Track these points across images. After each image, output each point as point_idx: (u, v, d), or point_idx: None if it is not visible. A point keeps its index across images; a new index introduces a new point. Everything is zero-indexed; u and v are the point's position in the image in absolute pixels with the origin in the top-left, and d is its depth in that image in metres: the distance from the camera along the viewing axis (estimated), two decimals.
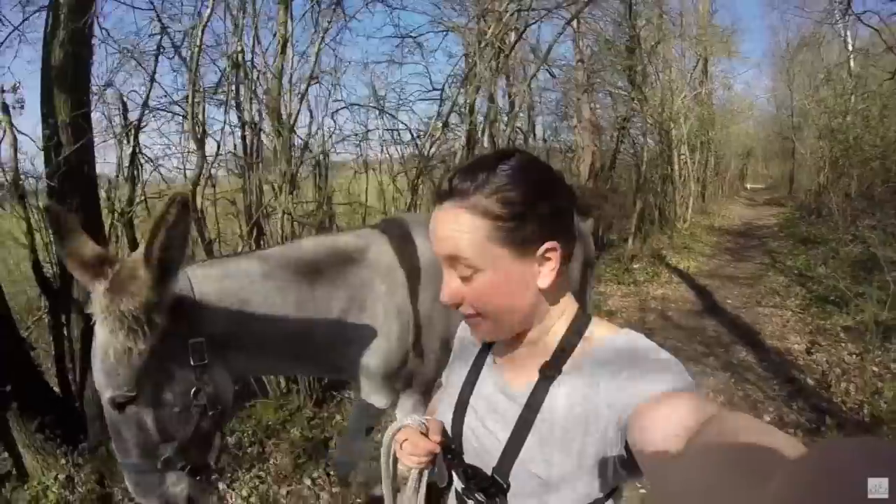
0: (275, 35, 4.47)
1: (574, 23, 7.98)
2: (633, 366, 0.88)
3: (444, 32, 7.52)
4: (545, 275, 0.94)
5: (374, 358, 2.05)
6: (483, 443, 1.06)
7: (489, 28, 5.77)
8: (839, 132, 13.59)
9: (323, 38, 4.73)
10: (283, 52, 4.26)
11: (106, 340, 1.42)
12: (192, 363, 1.55)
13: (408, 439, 1.14)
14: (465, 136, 6.16)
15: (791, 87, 22.75)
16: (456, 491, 1.18)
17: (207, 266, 1.78)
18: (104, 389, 1.48)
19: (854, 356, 4.86)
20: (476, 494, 1.07)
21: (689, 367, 2.43)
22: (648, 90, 10.49)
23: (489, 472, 1.03)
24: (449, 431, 1.15)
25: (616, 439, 0.87)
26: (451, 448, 1.14)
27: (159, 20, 4.73)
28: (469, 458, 1.10)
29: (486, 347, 1.16)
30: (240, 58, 4.46)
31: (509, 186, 0.91)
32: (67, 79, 3.54)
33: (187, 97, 4.07)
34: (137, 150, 5.05)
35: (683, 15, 13.47)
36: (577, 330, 1.00)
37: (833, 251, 9.08)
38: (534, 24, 6.93)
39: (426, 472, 1.19)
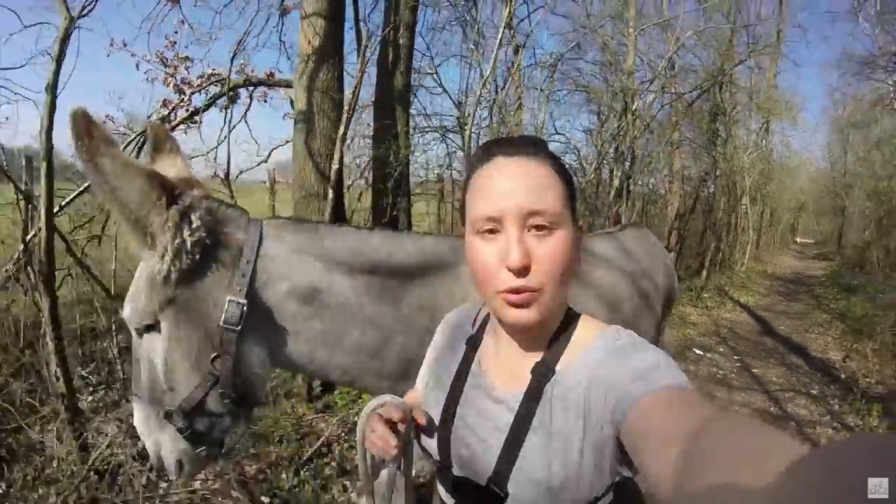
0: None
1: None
2: (625, 362, 0.86)
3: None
4: (577, 256, 0.94)
5: None
6: (474, 452, 1.00)
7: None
8: (884, 194, 14.95)
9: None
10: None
11: (149, 262, 1.35)
12: (221, 322, 1.36)
13: (377, 430, 1.02)
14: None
15: (846, 148, 23.67)
16: None
17: (290, 227, 1.54)
18: (128, 307, 1.42)
19: (876, 363, 6.68)
20: None
21: (756, 363, 4.48)
22: (720, 147, 12.29)
23: (483, 483, 0.98)
24: (435, 445, 1.07)
25: (612, 436, 0.85)
26: (438, 462, 1.09)
27: None
28: (459, 470, 1.04)
29: (471, 350, 1.11)
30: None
31: (554, 158, 0.95)
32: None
33: None
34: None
35: (753, 82, 15.01)
36: (567, 328, 0.98)
37: (871, 298, 10.76)
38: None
39: (398, 472, 1.13)
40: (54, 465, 3.27)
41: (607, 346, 0.92)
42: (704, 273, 11.96)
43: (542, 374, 0.95)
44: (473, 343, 1.12)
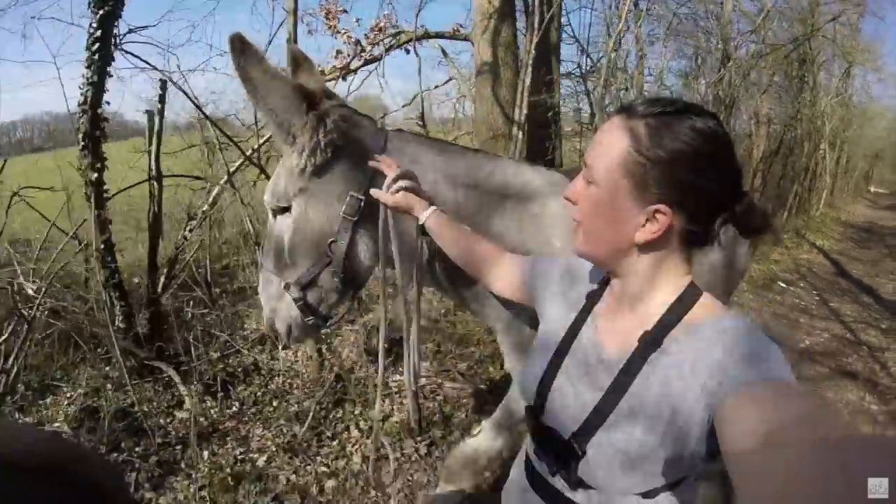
0: None
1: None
2: (732, 350, 0.85)
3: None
4: (644, 232, 0.93)
5: (523, 317, 1.82)
6: (567, 404, 1.04)
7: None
8: None
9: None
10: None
11: (289, 157, 1.56)
12: (342, 212, 1.56)
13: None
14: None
15: None
16: (525, 452, 1.21)
17: (412, 141, 1.72)
18: (268, 192, 1.65)
19: None
20: (547, 457, 1.07)
21: (832, 299, 5.11)
22: (806, 93, 12.50)
23: (567, 437, 1.02)
24: (535, 385, 1.13)
25: (703, 423, 0.85)
26: (530, 406, 1.14)
27: None
28: (549, 418, 1.08)
29: (590, 304, 1.13)
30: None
31: (673, 134, 0.90)
32: None
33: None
34: None
35: (837, 29, 14.86)
36: (683, 305, 0.97)
37: None
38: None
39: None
40: (278, 381, 3.83)
41: (718, 327, 0.91)
42: (785, 215, 12.37)
43: (648, 344, 0.96)
44: (592, 298, 1.13)
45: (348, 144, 1.57)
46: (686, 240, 0.96)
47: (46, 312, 3.82)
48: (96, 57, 3.46)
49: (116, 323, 3.60)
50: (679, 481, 0.97)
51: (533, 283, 1.29)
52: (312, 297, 1.68)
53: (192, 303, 4.62)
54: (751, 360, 0.82)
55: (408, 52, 5.86)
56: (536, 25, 4.44)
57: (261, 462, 3.04)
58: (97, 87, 3.49)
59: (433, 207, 1.48)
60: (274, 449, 3.14)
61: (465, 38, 5.96)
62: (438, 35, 6.22)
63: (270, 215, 1.68)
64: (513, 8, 5.25)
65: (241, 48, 1.45)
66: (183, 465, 2.96)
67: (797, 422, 0.65)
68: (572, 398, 1.04)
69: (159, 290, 3.93)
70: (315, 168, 1.54)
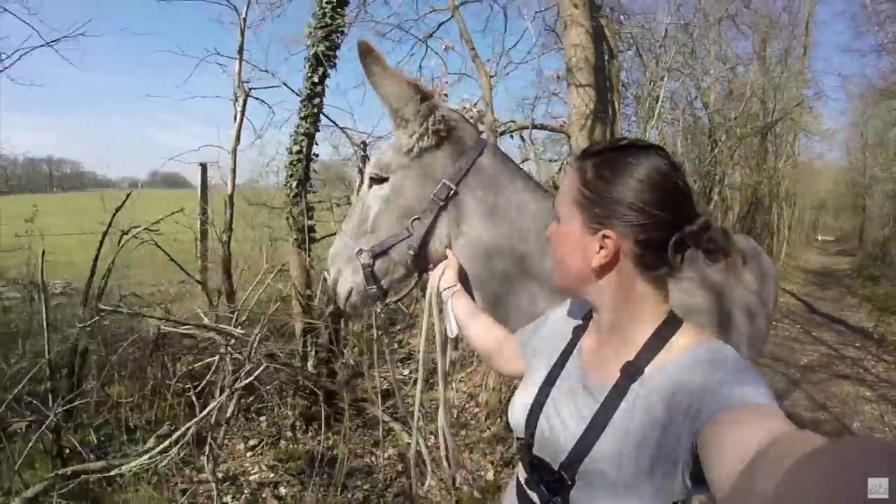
0: None
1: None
2: (713, 376, 0.88)
3: None
4: (598, 258, 1.00)
5: None
6: (555, 435, 1.04)
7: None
8: None
9: None
10: None
11: (399, 138, 1.68)
12: (433, 194, 1.63)
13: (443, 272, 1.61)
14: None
15: (864, 150, 24.80)
16: (517, 480, 1.20)
17: (501, 158, 1.74)
18: (372, 161, 1.79)
19: None
20: (539, 487, 1.07)
21: (813, 329, 7.21)
22: (770, 161, 14.76)
23: (556, 467, 1.02)
24: (524, 416, 1.14)
25: (689, 449, 0.86)
26: (521, 438, 1.15)
27: None
28: (538, 449, 1.09)
29: (575, 338, 1.17)
30: None
31: (612, 166, 1.00)
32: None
33: None
34: None
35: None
36: (663, 334, 1.00)
37: (893, 283, 13.13)
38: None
39: (450, 302, 1.55)
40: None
41: (699, 356, 0.93)
42: None
43: (631, 373, 0.97)
44: (578, 331, 1.18)
45: (450, 138, 1.68)
46: (643, 264, 0.98)
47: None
48: (315, 110, 4.09)
49: (309, 367, 4.12)
50: None
51: (524, 351, 1.32)
52: (380, 267, 1.74)
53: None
54: (732, 385, 0.84)
55: (522, 139, 6.74)
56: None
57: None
58: (310, 137, 4.04)
59: (462, 300, 1.59)
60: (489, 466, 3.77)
61: (562, 131, 6.54)
62: (543, 127, 6.98)
63: (367, 183, 1.81)
64: (605, 108, 6.05)
65: (366, 49, 1.67)
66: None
67: (779, 443, 0.65)
68: (560, 428, 1.04)
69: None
70: (419, 150, 1.66)
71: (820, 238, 40.19)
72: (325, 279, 2.21)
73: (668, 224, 0.96)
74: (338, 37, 4.26)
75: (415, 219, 1.68)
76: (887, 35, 14.87)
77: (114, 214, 4.18)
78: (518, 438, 1.21)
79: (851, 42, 34.55)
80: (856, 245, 27.88)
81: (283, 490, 3.60)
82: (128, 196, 4.35)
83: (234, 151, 5.24)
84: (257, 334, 3.45)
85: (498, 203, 1.67)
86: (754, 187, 13.77)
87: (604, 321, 1.07)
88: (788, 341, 8.39)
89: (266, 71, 5.55)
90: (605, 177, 0.99)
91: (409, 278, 1.85)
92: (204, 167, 7.05)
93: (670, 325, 1.01)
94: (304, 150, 4.03)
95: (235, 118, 5.48)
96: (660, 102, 7.20)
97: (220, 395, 2.88)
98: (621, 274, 1.01)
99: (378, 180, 1.75)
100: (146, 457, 3.13)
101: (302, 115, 4.15)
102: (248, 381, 3.28)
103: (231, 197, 5.32)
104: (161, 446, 3.15)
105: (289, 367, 4.02)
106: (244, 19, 5.65)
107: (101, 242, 4.15)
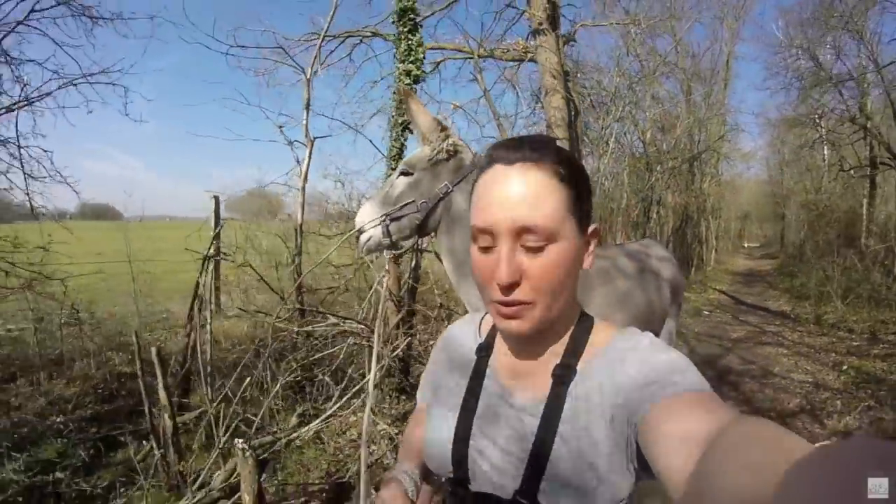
0: None
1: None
2: (646, 364, 0.86)
3: None
4: (589, 256, 0.93)
5: None
6: (497, 464, 0.96)
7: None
8: (812, 205, 19.04)
9: None
10: None
11: (423, 151, 2.39)
12: (437, 190, 2.34)
13: None
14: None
15: (782, 167, 27.23)
16: None
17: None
18: (405, 162, 2.46)
19: (810, 311, 11.33)
20: None
21: (741, 316, 9.80)
22: (696, 183, 17.22)
23: (509, 495, 0.93)
24: (448, 459, 1.02)
25: (632, 440, 0.83)
26: (454, 479, 1.02)
27: None
28: (478, 485, 0.98)
29: (483, 358, 1.07)
30: None
31: (573, 163, 0.90)
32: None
33: None
34: None
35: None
36: (583, 333, 0.96)
37: (807, 277, 15.52)
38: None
39: None
40: None
41: (627, 347, 0.90)
42: (693, 270, 16.80)
43: (564, 376, 0.92)
44: (485, 350, 1.07)
45: (455, 157, 2.39)
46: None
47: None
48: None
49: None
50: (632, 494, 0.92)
51: (426, 398, 1.21)
52: (393, 227, 2.40)
53: None
54: (666, 373, 0.82)
55: None
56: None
57: None
58: None
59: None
60: None
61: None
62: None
63: (396, 173, 2.48)
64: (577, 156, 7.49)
65: (406, 93, 2.49)
66: None
67: (722, 424, 0.66)
68: (501, 457, 0.95)
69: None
70: (435, 161, 2.38)
71: (746, 245, 43.31)
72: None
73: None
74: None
75: (423, 202, 2.36)
76: (795, 74, 17.58)
77: (213, 239, 5.29)
78: (450, 480, 1.04)
79: (763, 83, 38.13)
80: (778, 249, 30.41)
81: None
82: (220, 227, 5.97)
83: (304, 189, 6.26)
84: (391, 328, 4.93)
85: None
86: (685, 205, 16.02)
87: (532, 338, 0.94)
88: (721, 324, 10.49)
89: (343, 122, 7.08)
90: (577, 173, 0.89)
91: (409, 238, 2.49)
92: (216, 199, 7.89)
93: (587, 321, 0.98)
94: None
95: (300, 161, 6.53)
96: (610, 144, 9.30)
97: (374, 365, 3.18)
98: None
99: (406, 173, 2.43)
100: (317, 421, 4.01)
101: (391, 166, 5.50)
102: (395, 354, 4.58)
103: (300, 226, 6.36)
104: (328, 412, 4.01)
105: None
106: (309, 79, 6.63)
107: (204, 265, 4.96)
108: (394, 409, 4.97)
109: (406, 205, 2.39)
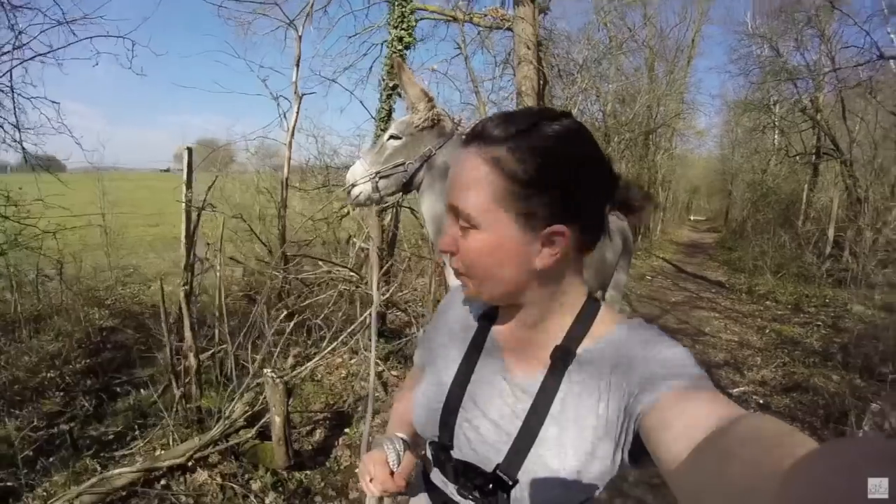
0: None
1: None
2: (650, 353, 0.86)
3: None
4: (544, 257, 0.87)
5: None
6: (484, 434, 0.98)
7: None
8: (756, 184, 20.17)
9: None
10: None
11: (411, 117, 2.69)
12: (421, 152, 2.66)
13: (375, 474, 1.10)
14: None
15: (734, 147, 27.63)
16: (428, 483, 1.12)
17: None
18: (395, 127, 2.74)
19: (744, 282, 12.22)
20: (473, 493, 0.99)
21: (680, 283, 11.10)
22: (649, 156, 17.95)
23: (490, 468, 0.95)
24: (436, 423, 1.04)
25: (628, 430, 0.84)
26: (438, 443, 1.05)
27: None
28: (462, 453, 1.01)
29: (484, 329, 1.07)
30: None
31: (538, 150, 0.83)
32: None
33: None
34: None
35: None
36: (586, 317, 0.96)
37: (745, 252, 16.43)
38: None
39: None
40: None
41: (631, 335, 0.91)
42: (638, 240, 17.64)
43: (562, 359, 0.93)
44: (489, 317, 1.07)
45: (438, 125, 2.71)
46: (584, 247, 0.92)
47: None
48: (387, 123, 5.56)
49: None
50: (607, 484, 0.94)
51: (422, 362, 1.23)
52: (382, 184, 2.72)
53: None
54: (670, 365, 0.83)
55: None
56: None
57: None
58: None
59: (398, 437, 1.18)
60: None
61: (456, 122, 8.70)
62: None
63: (386, 136, 2.77)
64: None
65: (399, 65, 2.80)
66: None
67: (727, 417, 0.66)
68: (490, 430, 0.97)
69: None
70: (420, 127, 2.68)
71: (692, 218, 44.22)
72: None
73: (603, 195, 0.91)
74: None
75: (410, 162, 2.69)
76: (755, 61, 18.37)
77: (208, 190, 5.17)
78: (433, 444, 1.07)
79: (724, 66, 39.19)
80: (722, 223, 31.48)
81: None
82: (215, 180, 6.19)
83: (290, 144, 6.40)
84: (377, 276, 5.33)
85: (448, 166, 2.62)
86: (637, 176, 16.71)
87: (529, 317, 0.96)
88: (661, 289, 11.29)
89: (331, 79, 7.47)
90: (534, 163, 0.83)
91: (395, 194, 2.86)
92: (190, 151, 8.70)
93: (592, 307, 0.97)
94: None
95: (284, 116, 6.75)
96: (573, 114, 9.74)
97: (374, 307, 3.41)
98: (560, 265, 0.90)
99: (396, 137, 2.74)
100: (317, 357, 4.32)
101: (381, 128, 5.82)
102: (385, 298, 5.12)
103: (286, 180, 6.54)
104: (326, 350, 4.28)
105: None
106: (300, 36, 6.72)
107: (199, 218, 4.94)
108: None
109: (397, 165, 2.69)
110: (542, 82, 7.70)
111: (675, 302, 10.00)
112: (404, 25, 5.84)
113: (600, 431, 0.88)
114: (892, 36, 13.47)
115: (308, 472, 3.63)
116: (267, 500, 3.26)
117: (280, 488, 3.39)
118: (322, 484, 3.54)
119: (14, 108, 5.58)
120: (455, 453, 1.02)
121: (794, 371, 6.04)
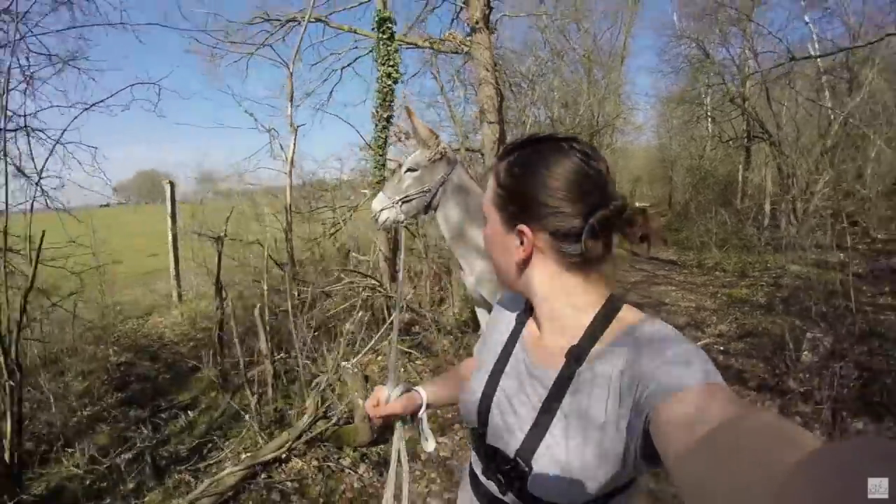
0: None
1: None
2: (661, 353, 0.87)
3: None
4: (518, 252, 1.03)
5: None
6: (508, 422, 1.05)
7: None
8: (695, 169, 21.16)
9: None
10: None
11: (422, 153, 3.16)
12: (436, 179, 3.18)
13: (377, 400, 1.35)
14: None
15: (670, 134, 28.97)
16: (472, 471, 1.18)
17: (464, 169, 3.34)
18: (410, 161, 3.21)
19: (693, 258, 13.39)
20: (496, 476, 1.05)
21: (635, 265, 12.50)
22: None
23: (511, 453, 1.02)
24: (475, 407, 1.14)
25: (639, 428, 0.86)
26: (475, 429, 1.15)
27: None
28: (492, 438, 1.09)
29: (520, 326, 1.17)
30: None
31: (518, 164, 1.04)
32: None
33: None
34: None
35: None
36: (604, 317, 1.00)
37: (690, 231, 17.35)
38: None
39: (400, 427, 1.37)
40: None
41: (645, 335, 0.93)
42: None
43: (576, 357, 0.98)
44: (522, 319, 1.17)
45: (446, 157, 3.22)
46: (564, 253, 0.99)
47: None
48: (384, 142, 6.30)
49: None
50: (629, 483, 0.99)
51: (477, 355, 1.32)
52: (404, 208, 3.19)
53: None
54: (679, 364, 0.83)
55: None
56: None
57: None
58: (383, 164, 6.25)
59: (425, 391, 1.43)
60: None
61: (481, 152, 8.77)
62: (469, 149, 9.70)
63: (403, 169, 3.24)
64: (504, 136, 7.72)
65: (409, 112, 3.28)
66: None
67: (731, 416, 0.67)
68: (513, 417, 1.04)
69: None
70: (431, 161, 3.17)
71: (638, 205, 45.92)
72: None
73: (579, 214, 0.97)
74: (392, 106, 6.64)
75: (430, 188, 3.21)
76: (685, 59, 19.92)
77: (227, 220, 6.19)
78: (471, 430, 1.17)
79: (656, 66, 41.43)
80: (666, 208, 32.51)
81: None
82: (232, 211, 6.79)
83: (290, 173, 6.38)
84: (400, 285, 5.96)
85: (459, 189, 3.27)
86: None
87: (542, 311, 1.07)
88: (620, 272, 12.29)
89: (323, 110, 8.08)
90: (515, 174, 1.02)
91: (417, 216, 3.44)
92: (172, 185, 8.91)
93: (611, 308, 1.01)
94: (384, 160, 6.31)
95: (285, 148, 6.81)
96: (528, 125, 10.89)
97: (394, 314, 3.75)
98: (546, 265, 1.02)
99: (412, 170, 3.22)
100: (366, 349, 4.76)
101: (379, 153, 6.40)
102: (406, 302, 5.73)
103: (290, 206, 6.49)
104: (366, 349, 4.74)
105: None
106: (291, 73, 6.71)
107: (219, 244, 5.82)
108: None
109: (422, 191, 3.22)
110: (500, 99, 8.47)
111: (635, 281, 10.93)
112: (391, 63, 6.48)
113: (609, 428, 0.91)
114: (810, 25, 15.07)
115: (383, 445, 4.10)
116: (360, 471, 3.75)
117: (366, 461, 3.88)
118: None
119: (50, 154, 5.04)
120: (488, 439, 1.10)
121: (745, 323, 7.16)
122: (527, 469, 0.98)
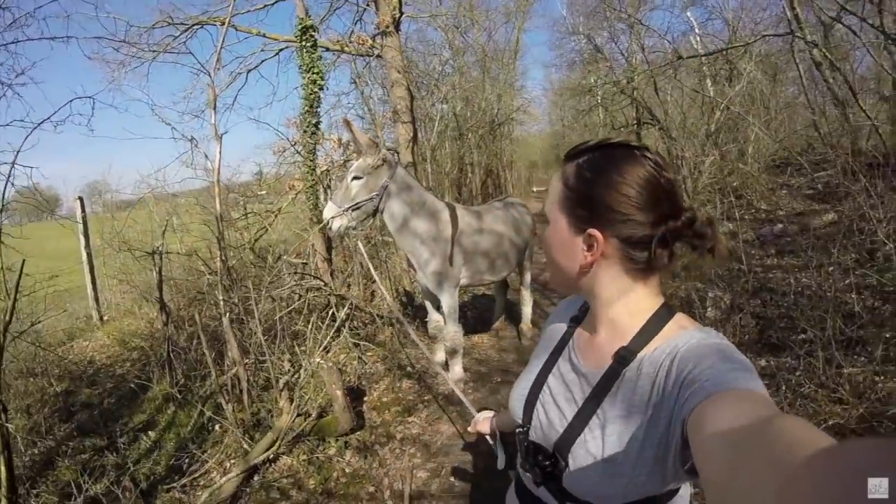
0: None
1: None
2: (705, 361, 0.87)
3: None
4: (584, 255, 1.01)
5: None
6: (550, 418, 1.08)
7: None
8: None
9: None
10: None
11: (366, 160, 3.68)
12: (380, 185, 3.66)
13: (480, 421, 1.71)
14: None
15: (564, 123, 31.18)
16: (518, 481, 1.26)
17: (405, 172, 3.94)
18: (356, 170, 3.70)
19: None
20: (535, 469, 1.08)
21: (538, 249, 12.68)
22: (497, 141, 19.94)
23: (551, 448, 1.06)
24: (521, 402, 1.18)
25: (678, 434, 0.86)
26: (520, 425, 1.18)
27: None
28: (535, 434, 1.13)
29: (571, 330, 1.19)
30: None
31: (588, 168, 1.01)
32: None
33: None
34: None
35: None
36: (656, 323, 1.01)
37: None
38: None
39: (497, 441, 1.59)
40: None
41: (691, 342, 0.93)
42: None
43: (623, 358, 0.99)
44: (576, 322, 1.19)
45: (387, 162, 3.65)
46: (630, 260, 0.99)
47: None
48: (314, 146, 6.16)
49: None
50: (672, 494, 1.01)
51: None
52: (354, 215, 3.63)
53: None
54: (721, 371, 0.83)
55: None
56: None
57: None
58: (313, 164, 6.19)
59: (496, 418, 1.70)
60: None
61: (396, 151, 8.18)
62: (390, 149, 9.27)
63: (349, 178, 3.71)
64: (416, 134, 8.46)
65: (347, 123, 3.69)
66: None
67: (757, 420, 0.66)
68: (555, 412, 1.07)
69: None
70: (374, 168, 3.59)
71: (535, 189, 46.80)
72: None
73: (650, 222, 0.97)
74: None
75: (374, 195, 3.66)
76: (577, 53, 21.08)
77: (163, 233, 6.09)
78: (516, 430, 1.20)
79: (550, 60, 43.15)
80: None
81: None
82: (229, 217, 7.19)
83: (218, 181, 6.35)
84: (343, 283, 6.35)
85: (403, 187, 3.82)
86: (488, 162, 18.68)
87: (598, 314, 1.07)
88: (536, 254, 13.03)
89: (256, 120, 8.26)
90: (587, 178, 1.00)
91: (367, 221, 3.86)
92: (82, 200, 8.51)
93: (663, 314, 1.02)
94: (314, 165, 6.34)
95: (210, 158, 6.35)
96: (436, 122, 11.34)
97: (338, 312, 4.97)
98: (610, 270, 1.01)
99: (357, 178, 3.68)
100: (318, 350, 4.61)
101: (310, 159, 6.36)
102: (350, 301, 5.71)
103: (220, 216, 6.24)
104: (321, 346, 4.67)
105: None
106: (213, 81, 6.46)
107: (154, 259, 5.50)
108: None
109: (368, 199, 3.68)
110: (411, 98, 8.68)
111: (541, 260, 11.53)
112: (315, 70, 6.48)
113: (652, 433, 0.91)
114: (693, 20, 16.32)
115: (360, 432, 4.21)
116: (347, 457, 3.89)
117: (349, 447, 3.99)
118: (372, 437, 4.19)
119: None
120: (531, 435, 1.14)
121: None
122: (564, 464, 1.02)
